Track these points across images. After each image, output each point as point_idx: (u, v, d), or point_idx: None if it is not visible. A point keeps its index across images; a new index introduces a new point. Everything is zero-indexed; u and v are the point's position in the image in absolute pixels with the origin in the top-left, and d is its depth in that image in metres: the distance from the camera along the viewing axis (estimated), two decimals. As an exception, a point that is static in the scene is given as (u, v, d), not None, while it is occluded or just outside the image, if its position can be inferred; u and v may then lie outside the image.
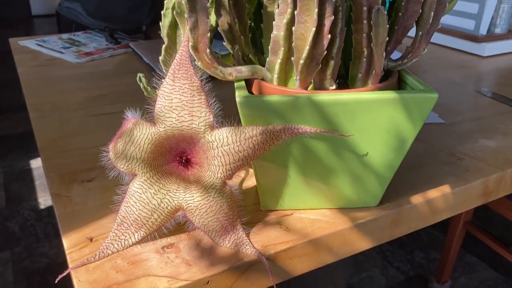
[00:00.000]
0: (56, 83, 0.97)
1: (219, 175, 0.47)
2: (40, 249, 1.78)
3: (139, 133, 0.46)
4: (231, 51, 0.51)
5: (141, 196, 0.47)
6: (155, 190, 0.47)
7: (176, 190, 0.48)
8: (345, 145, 0.49)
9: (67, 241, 0.50)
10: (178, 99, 0.45)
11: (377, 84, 0.50)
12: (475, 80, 1.05)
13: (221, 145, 0.46)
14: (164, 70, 0.52)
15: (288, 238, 0.51)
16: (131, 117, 0.47)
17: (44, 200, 2.10)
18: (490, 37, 1.22)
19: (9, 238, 1.86)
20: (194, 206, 0.48)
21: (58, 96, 0.89)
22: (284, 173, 0.51)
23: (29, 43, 1.25)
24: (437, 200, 0.60)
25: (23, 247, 1.80)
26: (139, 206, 0.47)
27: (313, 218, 0.54)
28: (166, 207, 0.47)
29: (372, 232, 0.55)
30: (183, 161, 0.48)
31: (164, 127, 0.46)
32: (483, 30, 1.22)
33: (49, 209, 2.04)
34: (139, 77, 0.52)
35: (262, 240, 0.50)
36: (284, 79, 0.49)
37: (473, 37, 1.22)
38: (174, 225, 0.49)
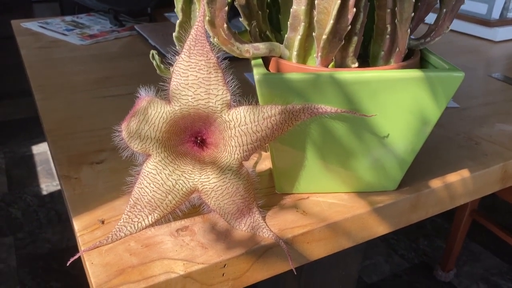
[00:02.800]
0: (61, 65, 0.95)
1: (235, 156, 0.46)
2: (43, 235, 1.77)
3: (154, 112, 0.44)
4: (247, 27, 0.49)
5: (156, 177, 0.46)
6: (170, 171, 0.46)
7: (191, 171, 0.46)
8: (366, 126, 0.48)
9: (78, 223, 0.48)
10: (194, 76, 0.43)
11: (400, 62, 0.48)
12: (486, 65, 1.02)
13: (239, 124, 0.44)
14: (178, 47, 0.50)
15: (306, 222, 0.49)
16: (145, 95, 0.45)
17: (46, 186, 2.09)
18: (503, 21, 1.20)
19: (12, 223, 1.85)
20: (209, 188, 0.46)
21: (63, 77, 0.87)
22: (301, 155, 0.50)
23: (31, 25, 1.23)
24: (455, 185, 0.58)
25: (26, 232, 1.79)
26: (153, 188, 0.46)
27: (331, 202, 0.52)
28: (181, 188, 0.46)
29: (390, 216, 0.54)
30: (198, 141, 0.47)
31: (180, 105, 0.44)
32: (495, 14, 1.20)
33: (52, 195, 2.02)
34: (152, 54, 0.50)
35: (279, 224, 0.49)
36: (303, 56, 0.47)
37: (485, 22, 1.19)
38: (189, 207, 0.47)
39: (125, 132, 0.45)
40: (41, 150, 2.37)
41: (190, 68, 0.43)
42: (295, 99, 0.45)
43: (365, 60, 0.51)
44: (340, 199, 0.53)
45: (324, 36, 0.42)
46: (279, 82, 0.44)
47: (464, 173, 0.59)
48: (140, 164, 0.46)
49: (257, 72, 0.44)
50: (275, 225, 0.48)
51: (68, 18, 1.30)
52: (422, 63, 0.52)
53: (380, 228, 0.54)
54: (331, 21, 0.41)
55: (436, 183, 0.57)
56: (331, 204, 0.52)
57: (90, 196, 0.53)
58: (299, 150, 0.49)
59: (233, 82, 0.44)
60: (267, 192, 0.54)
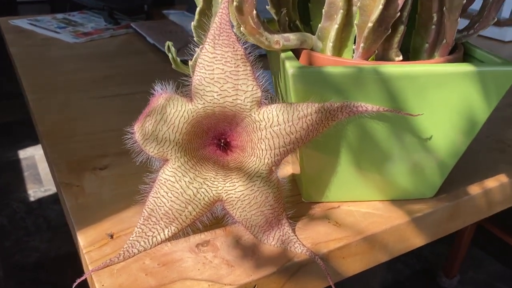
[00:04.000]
0: (55, 64, 0.88)
1: (266, 160, 0.40)
2: (31, 243, 1.69)
3: (173, 111, 0.39)
4: (275, 16, 0.44)
5: (174, 185, 0.40)
6: (190, 178, 0.40)
7: (214, 178, 0.41)
8: (408, 127, 0.43)
9: (84, 238, 0.42)
10: (220, 69, 0.38)
11: (446, 56, 0.43)
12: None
13: (270, 125, 0.39)
14: (196, 39, 0.45)
15: (340, 234, 0.44)
16: (162, 92, 0.39)
17: (33, 192, 2.01)
18: (513, 21, 1.16)
19: (-3, 231, 1.76)
20: (235, 197, 0.40)
21: (58, 77, 0.81)
22: (334, 160, 0.45)
23: (20, 22, 1.16)
24: (494, 191, 0.53)
25: (13, 241, 1.71)
26: (171, 197, 0.40)
27: (364, 211, 0.47)
28: (203, 198, 0.40)
29: (428, 226, 0.49)
30: (222, 144, 0.41)
31: (204, 103, 0.38)
32: (505, 14, 1.16)
33: (40, 201, 1.94)
34: (168, 46, 0.45)
35: (311, 237, 0.43)
36: (339, 48, 0.42)
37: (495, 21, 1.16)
38: (211, 219, 0.42)
39: (139, 134, 0.40)
40: (28, 154, 2.28)
41: (216, 60, 0.38)
42: (333, 96, 0.40)
43: (403, 53, 0.46)
44: (375, 208, 0.48)
45: (370, 24, 0.37)
46: (317, 77, 0.39)
47: (502, 178, 0.54)
48: (156, 171, 0.41)
49: (292, 66, 0.39)
50: (307, 238, 0.43)
51: (59, 15, 1.24)
52: (465, 58, 0.47)
53: (417, 240, 0.49)
54: (380, 6, 0.36)
55: (474, 189, 0.52)
56: (365, 214, 0.47)
57: (95, 207, 0.47)
58: (332, 154, 0.44)
59: (263, 77, 0.39)
60: (292, 201, 0.48)
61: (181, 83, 0.40)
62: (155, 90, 0.40)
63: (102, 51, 0.97)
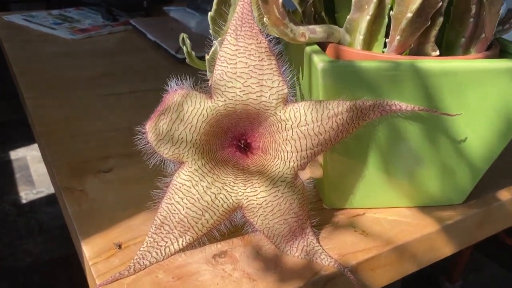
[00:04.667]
0: (51, 61, 0.84)
1: (291, 164, 0.37)
2: (24, 246, 1.64)
3: (191, 108, 0.35)
4: (299, 7, 0.40)
5: (190, 191, 0.36)
6: (208, 183, 0.37)
7: (234, 183, 0.37)
8: (443, 128, 0.39)
9: (89, 248, 0.39)
10: (243, 63, 0.34)
11: (484, 52, 0.40)
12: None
13: (297, 125, 0.35)
14: (212, 32, 0.41)
15: (369, 244, 0.40)
16: (177, 88, 0.36)
17: (25, 194, 1.95)
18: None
19: (-12, 235, 1.71)
20: (257, 204, 0.37)
21: (55, 74, 0.77)
22: (361, 163, 0.41)
23: (14, 18, 1.11)
24: (524, 197, 0.50)
25: (5, 244, 1.66)
26: (186, 203, 0.36)
27: (391, 219, 0.44)
28: (222, 204, 0.37)
29: (458, 235, 0.46)
30: (242, 145, 0.38)
31: (225, 100, 0.35)
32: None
33: (32, 204, 1.89)
34: (183, 37, 0.41)
35: (337, 247, 0.40)
36: (369, 42, 0.39)
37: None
38: (230, 228, 0.38)
39: (152, 134, 0.36)
40: (19, 155, 2.23)
41: (239, 53, 0.34)
42: (365, 93, 0.36)
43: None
44: (402, 215, 0.44)
45: (409, 15, 0.34)
46: (349, 72, 0.35)
47: (531, 183, 0.51)
48: (170, 174, 0.37)
49: (321, 60, 0.35)
50: (333, 248, 0.40)
51: (55, 12, 1.19)
52: (500, 54, 0.44)
53: (446, 249, 0.46)
54: (422, -5, 0.32)
55: (504, 195, 0.49)
56: (392, 222, 0.43)
57: (100, 213, 0.43)
58: (359, 157, 0.41)
59: (290, 71, 0.36)
60: (313, 207, 0.45)
61: (200, 78, 0.36)
62: (169, 86, 0.36)
63: (100, 48, 0.93)
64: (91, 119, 0.61)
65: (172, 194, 0.37)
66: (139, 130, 0.37)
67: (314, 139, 0.36)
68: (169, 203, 0.37)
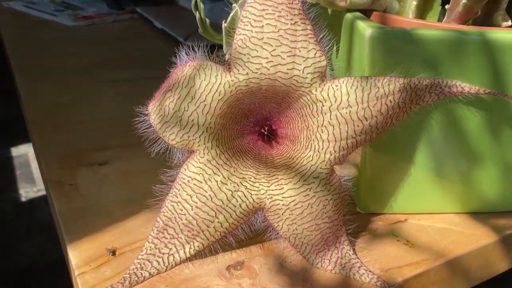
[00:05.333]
0: (49, 46, 0.78)
1: (327, 156, 0.30)
2: (21, 247, 1.58)
3: (205, 83, 0.28)
4: (337, -32, 0.33)
5: (201, 186, 0.29)
6: (223, 178, 0.30)
7: (255, 178, 0.30)
8: (508, 117, 0.32)
9: (76, 254, 0.32)
10: (272, 26, 0.27)
11: None
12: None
13: (337, 107, 0.28)
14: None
15: (417, 257, 0.33)
16: (188, 59, 0.29)
17: (25, 192, 1.89)
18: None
19: (-15, 234, 1.64)
20: (282, 205, 0.30)
21: (51, 59, 0.71)
22: (406, 160, 0.34)
23: (15, 4, 1.05)
24: None
25: (2, 244, 1.59)
26: (196, 202, 0.29)
27: (440, 226, 0.37)
28: (239, 204, 0.30)
29: (516, 248, 0.38)
30: (266, 133, 0.31)
31: (247, 73, 0.28)
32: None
33: (31, 202, 1.83)
34: (195, 2, 0.34)
35: (379, 260, 0.33)
36: (422, 10, 0.32)
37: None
38: (248, 233, 0.31)
39: (155, 115, 0.29)
40: (21, 152, 2.17)
41: (266, 14, 0.27)
42: (419, 69, 0.29)
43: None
44: (452, 223, 0.37)
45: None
46: (403, 42, 0.28)
47: None
48: (177, 166, 0.30)
49: (369, 26, 0.28)
50: (373, 262, 0.33)
51: (57, 0, 1.13)
52: None
53: (502, 264, 0.38)
54: None
55: None
56: (442, 231, 0.36)
57: (93, 212, 0.36)
58: (404, 152, 0.34)
59: (330, 40, 0.29)
60: (347, 211, 0.37)
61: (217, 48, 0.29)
62: (178, 58, 0.30)
63: (103, 35, 0.86)
64: (88, 106, 0.54)
65: (178, 190, 0.30)
66: (140, 111, 0.30)
67: (358, 125, 0.29)
68: (174, 202, 0.30)
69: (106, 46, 0.80)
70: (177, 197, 0.30)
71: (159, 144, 0.30)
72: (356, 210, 0.38)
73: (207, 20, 0.35)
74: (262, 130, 0.31)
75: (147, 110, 0.30)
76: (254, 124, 0.31)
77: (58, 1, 1.12)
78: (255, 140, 0.31)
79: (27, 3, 1.08)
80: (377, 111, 0.29)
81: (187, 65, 0.29)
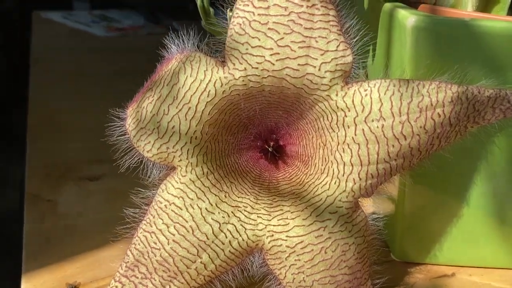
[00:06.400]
0: (71, 54, 0.75)
1: (349, 185, 0.22)
2: None
3: (190, 80, 0.22)
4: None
5: (181, 214, 0.23)
6: (210, 205, 0.23)
7: (252, 208, 0.23)
8: None
9: (29, 287, 0.25)
10: (281, 8, 0.21)
11: None
12: None
13: (365, 118, 0.21)
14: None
15: (468, 329, 0.25)
16: (177, 51, 0.23)
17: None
18: None
19: None
20: (287, 247, 0.23)
21: (70, 67, 0.68)
22: (458, 197, 0.27)
23: (53, 15, 1.05)
24: None
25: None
26: (174, 234, 0.23)
27: (498, 286, 0.28)
28: (230, 241, 0.23)
29: None
30: (271, 149, 0.24)
31: (245, 69, 0.21)
32: None
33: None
34: (196, -14, 0.28)
35: (415, 328, 0.24)
36: (485, 4, 0.24)
37: None
38: (241, 281, 0.24)
39: (131, 119, 0.23)
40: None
41: (274, -8, 0.21)
42: (481, 74, 0.21)
43: None
44: (514, 282, 0.28)
45: None
46: (456, 35, 0.21)
47: None
48: (154, 185, 0.24)
49: (412, 13, 0.21)
50: (407, 330, 0.24)
51: (96, 11, 1.12)
52: None
53: None
54: None
55: None
56: (501, 293, 0.27)
57: (64, 236, 0.31)
58: (453, 187, 0.27)
59: (360, 31, 0.21)
60: (376, 258, 0.29)
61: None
62: (167, 49, 0.23)
63: (132, 47, 0.83)
64: (94, 116, 0.49)
65: (153, 218, 0.23)
66: (116, 114, 0.24)
67: (393, 146, 0.21)
68: (148, 232, 0.23)
69: (130, 57, 0.76)
70: (151, 226, 0.23)
71: (134, 156, 0.23)
72: (389, 257, 0.31)
73: (211, 10, 0.29)
74: (266, 146, 0.24)
75: (124, 114, 0.24)
76: (255, 138, 0.24)
77: (96, 13, 1.11)
78: (257, 158, 0.24)
79: (65, 14, 1.07)
80: (420, 127, 0.21)
81: (173, 58, 0.23)
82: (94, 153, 0.42)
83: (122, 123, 0.25)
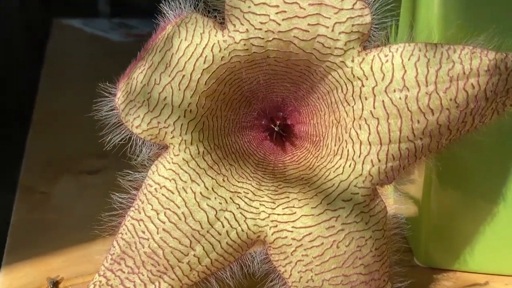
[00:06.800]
0: (86, 58, 0.75)
1: (366, 168, 0.19)
2: None
3: (185, 45, 0.19)
4: None
5: (173, 199, 0.20)
6: (206, 189, 0.20)
7: (254, 195, 0.20)
8: None
9: (7, 281, 0.23)
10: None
11: None
12: None
13: (387, 88, 0.19)
14: None
15: None
16: (175, 16, 0.20)
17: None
18: None
19: None
20: (293, 240, 0.20)
21: (78, 69, 0.67)
22: (492, 197, 0.24)
23: (74, 22, 1.05)
24: None
25: None
26: (164, 222, 0.20)
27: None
28: (227, 231, 0.20)
29: None
30: (277, 128, 0.21)
31: (247, 30, 0.19)
32: None
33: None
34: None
35: None
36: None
37: None
38: (240, 278, 0.21)
39: (121, 93, 0.21)
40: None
41: None
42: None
43: None
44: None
45: None
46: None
47: None
48: (143, 167, 0.21)
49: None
50: None
51: (115, 19, 1.13)
52: None
53: None
54: None
55: None
56: (545, 306, 0.24)
57: (52, 229, 0.29)
58: (486, 185, 0.24)
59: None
60: (397, 261, 0.26)
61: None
62: (163, 16, 0.21)
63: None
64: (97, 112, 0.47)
65: (142, 203, 0.21)
66: (106, 88, 0.22)
67: (418, 121, 0.18)
68: (136, 219, 0.21)
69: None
70: (140, 213, 0.21)
71: (121, 133, 0.21)
72: (412, 261, 0.27)
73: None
74: (272, 125, 0.21)
75: (115, 89, 0.22)
76: (259, 115, 0.21)
77: (115, 21, 1.11)
78: (261, 139, 0.22)
79: (85, 21, 1.08)
80: (450, 100, 0.18)
81: (168, 24, 0.20)
82: (94, 145, 0.39)
83: (112, 98, 0.22)
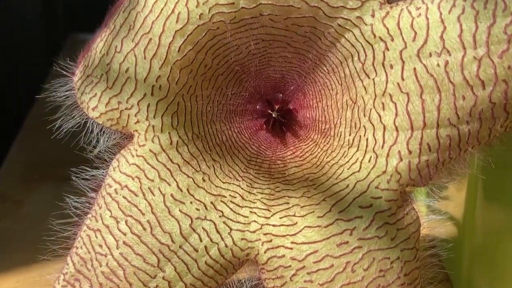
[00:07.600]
0: None
1: (392, 162, 0.15)
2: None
3: (152, 0, 0.15)
4: None
5: (136, 203, 0.16)
6: (179, 190, 0.16)
7: (243, 200, 0.16)
8: None
9: None
10: None
11: None
12: None
13: (419, 51, 0.14)
14: None
15: None
16: None
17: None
18: None
19: None
20: (292, 259, 0.15)
21: None
22: None
23: (88, 35, 1.04)
24: None
25: None
26: (125, 233, 0.16)
27: None
28: (206, 248, 0.15)
29: None
30: (276, 114, 0.16)
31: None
32: None
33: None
34: None
35: None
36: None
37: None
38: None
39: (80, 67, 0.16)
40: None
41: None
42: None
43: None
44: None
45: None
46: None
47: None
48: (105, 161, 0.17)
49: None
50: None
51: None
52: None
53: None
54: None
55: None
56: None
57: (14, 242, 0.26)
58: None
59: None
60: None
61: None
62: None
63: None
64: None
65: (100, 209, 0.16)
66: (66, 67, 0.18)
67: (463, 98, 0.14)
68: (92, 229, 0.16)
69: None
70: (97, 221, 0.16)
71: (75, 119, 0.17)
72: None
73: None
74: (269, 111, 0.16)
75: (76, 67, 0.18)
76: (253, 97, 0.17)
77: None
78: (255, 128, 0.17)
79: (102, 34, 1.07)
80: (509, 68, 0.13)
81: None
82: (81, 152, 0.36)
83: (71, 77, 0.18)
